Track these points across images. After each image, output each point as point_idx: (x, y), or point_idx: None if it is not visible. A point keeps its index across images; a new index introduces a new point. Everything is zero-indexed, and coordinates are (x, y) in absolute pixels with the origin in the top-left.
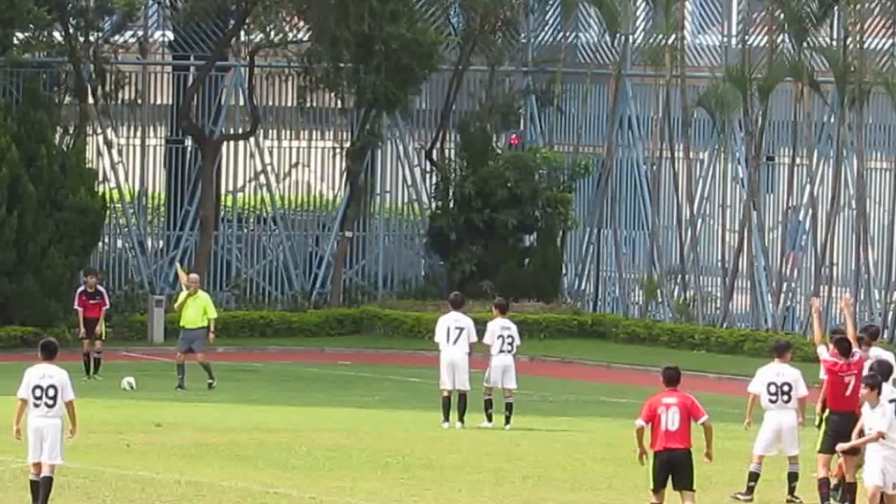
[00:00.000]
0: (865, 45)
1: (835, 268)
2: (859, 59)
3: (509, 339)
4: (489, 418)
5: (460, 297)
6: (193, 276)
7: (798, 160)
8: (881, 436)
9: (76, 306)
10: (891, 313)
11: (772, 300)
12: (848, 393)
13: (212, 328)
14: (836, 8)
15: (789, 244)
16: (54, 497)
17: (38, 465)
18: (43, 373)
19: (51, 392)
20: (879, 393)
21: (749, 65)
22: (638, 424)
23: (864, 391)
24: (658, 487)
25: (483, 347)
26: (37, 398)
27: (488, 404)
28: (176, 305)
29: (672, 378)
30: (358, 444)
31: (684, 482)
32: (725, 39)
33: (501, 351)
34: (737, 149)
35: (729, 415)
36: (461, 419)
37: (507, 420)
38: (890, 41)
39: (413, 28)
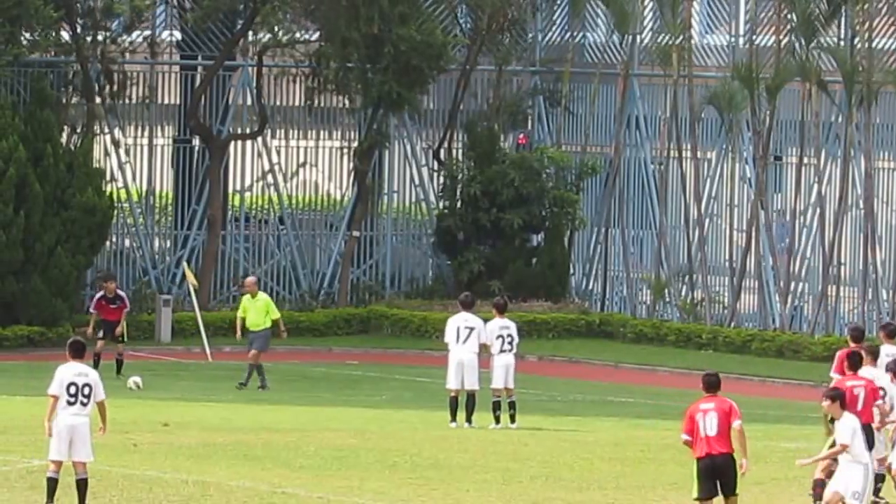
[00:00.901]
0: (873, 45)
1: (842, 267)
2: (867, 58)
3: (509, 339)
4: (497, 420)
5: (471, 297)
6: (251, 279)
7: (806, 160)
8: (845, 448)
9: (93, 310)
10: None
11: (779, 300)
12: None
13: (281, 327)
14: (844, 8)
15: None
16: (60, 496)
17: (58, 464)
18: (78, 371)
19: (86, 390)
20: (842, 406)
21: (757, 64)
22: (683, 439)
23: (825, 403)
24: (703, 495)
25: (485, 348)
26: (71, 395)
27: (496, 406)
28: (239, 314)
29: (712, 384)
30: (365, 443)
31: (727, 488)
32: (733, 39)
33: (502, 350)
34: (744, 148)
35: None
36: (469, 419)
37: (513, 419)
38: None
39: (421, 30)
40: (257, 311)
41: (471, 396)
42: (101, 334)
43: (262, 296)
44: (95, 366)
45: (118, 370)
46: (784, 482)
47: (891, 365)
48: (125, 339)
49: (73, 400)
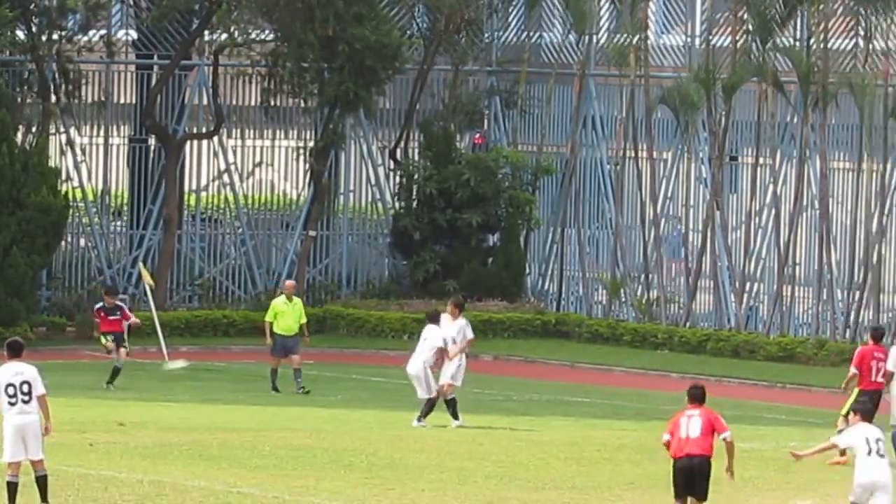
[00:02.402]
0: (829, 46)
1: (798, 268)
2: (823, 59)
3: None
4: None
5: (435, 311)
6: (290, 281)
7: (761, 160)
8: (834, 446)
9: (96, 319)
10: (853, 313)
11: (735, 300)
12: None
13: (305, 332)
14: (800, 9)
15: (669, 253)
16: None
17: (16, 466)
18: (15, 370)
19: (25, 388)
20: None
21: (713, 65)
22: (664, 439)
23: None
24: (679, 495)
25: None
26: (11, 396)
27: (451, 404)
28: (268, 318)
29: (696, 396)
30: (321, 443)
31: (699, 492)
32: (689, 39)
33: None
34: (700, 149)
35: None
36: (454, 417)
37: (455, 416)
38: (853, 42)
39: (377, 30)
40: (294, 315)
41: (446, 401)
42: (109, 341)
43: (298, 300)
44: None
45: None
46: (740, 482)
47: None
48: (128, 353)
49: (13, 400)
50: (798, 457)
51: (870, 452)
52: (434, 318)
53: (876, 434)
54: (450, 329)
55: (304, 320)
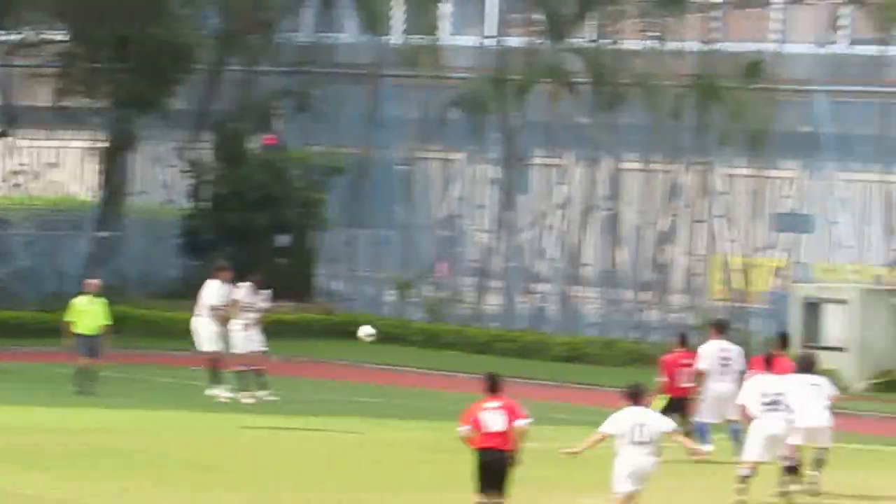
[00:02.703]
0: (621, 47)
1: (587, 268)
2: (615, 60)
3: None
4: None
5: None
6: (94, 280)
7: (553, 161)
8: (606, 436)
9: None
10: (641, 313)
11: (524, 300)
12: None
13: (106, 333)
14: (592, 10)
15: (440, 255)
16: None
17: None
18: None
19: None
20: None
21: (506, 66)
22: (462, 433)
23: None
24: (482, 489)
25: None
26: None
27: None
28: (72, 314)
29: (494, 385)
30: (109, 443)
31: (501, 486)
32: (482, 40)
33: None
34: (493, 150)
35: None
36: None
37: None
38: (645, 43)
39: (169, 30)
40: (97, 314)
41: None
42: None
43: (100, 299)
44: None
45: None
46: (528, 481)
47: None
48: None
49: None
50: (574, 454)
51: (632, 440)
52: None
53: (640, 420)
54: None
55: (108, 321)
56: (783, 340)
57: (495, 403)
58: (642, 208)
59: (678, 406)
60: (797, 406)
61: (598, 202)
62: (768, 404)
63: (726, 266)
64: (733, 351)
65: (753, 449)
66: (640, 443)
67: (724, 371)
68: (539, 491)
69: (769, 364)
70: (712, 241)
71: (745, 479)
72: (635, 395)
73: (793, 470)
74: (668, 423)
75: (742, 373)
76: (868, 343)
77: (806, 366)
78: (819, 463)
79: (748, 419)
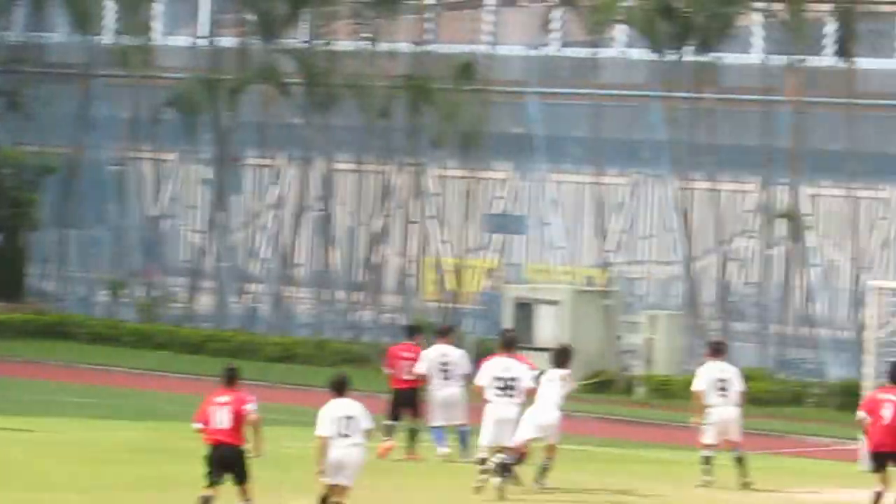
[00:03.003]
0: (334, 48)
1: (299, 268)
2: (328, 61)
3: None
4: None
5: None
6: None
7: (265, 161)
8: (324, 439)
9: None
10: (353, 314)
11: (236, 300)
12: None
13: None
14: (305, 10)
15: (152, 255)
16: None
17: None
18: None
19: None
20: None
21: (219, 66)
22: (196, 427)
23: None
24: (211, 482)
25: None
26: None
27: None
28: None
29: (229, 378)
30: None
31: (238, 478)
32: (194, 40)
33: None
34: (205, 150)
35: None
36: None
37: None
38: (358, 44)
39: None
40: None
41: None
42: None
43: None
44: None
45: None
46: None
47: None
48: None
49: None
50: (320, 471)
51: (339, 433)
52: None
53: (346, 412)
54: None
55: None
56: (509, 339)
57: (225, 398)
58: (355, 209)
59: (406, 401)
60: (537, 400)
61: (311, 203)
62: (501, 388)
63: (439, 267)
64: (454, 355)
65: (485, 434)
66: (347, 436)
67: (446, 376)
68: (255, 491)
69: (510, 347)
70: (425, 242)
71: (484, 461)
72: (339, 387)
73: (507, 468)
74: (370, 421)
75: (467, 376)
76: (580, 344)
77: (560, 361)
78: (542, 468)
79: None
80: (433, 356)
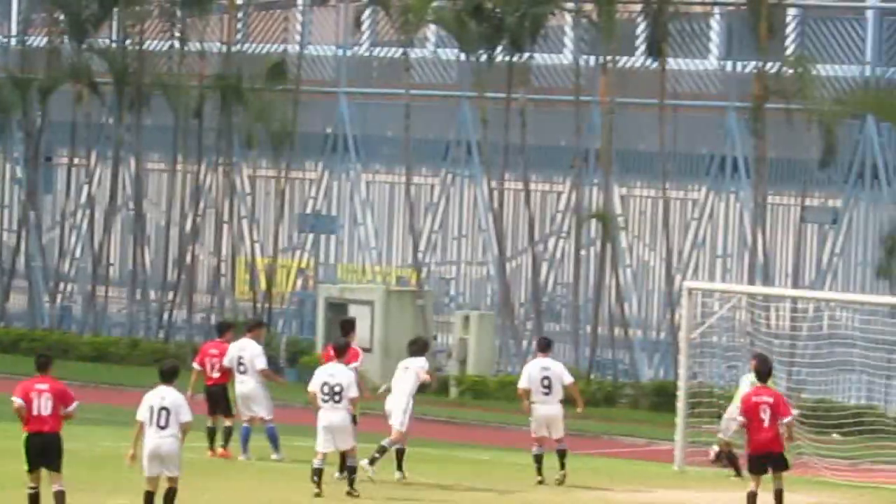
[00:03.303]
0: (145, 47)
1: (111, 267)
2: (138, 60)
3: None
4: None
5: None
6: None
7: (77, 161)
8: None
9: None
10: (166, 313)
11: (48, 299)
12: None
13: None
14: (115, 10)
15: None
16: None
17: None
18: None
19: None
20: None
21: (29, 66)
22: (16, 404)
23: None
24: (30, 471)
25: None
26: None
27: None
28: None
29: (42, 364)
30: None
31: (54, 465)
32: (5, 40)
33: None
34: (16, 149)
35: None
36: None
37: None
38: (169, 44)
39: None
40: None
41: None
42: None
43: None
44: None
45: None
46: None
47: None
48: None
49: None
50: (132, 457)
51: (155, 424)
52: None
53: (164, 403)
54: None
55: None
56: (339, 346)
57: (44, 385)
58: (167, 209)
59: (217, 398)
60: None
61: (123, 202)
62: (327, 395)
63: (251, 267)
64: (251, 350)
65: (318, 440)
66: (162, 427)
67: (241, 370)
68: (70, 492)
69: (340, 354)
70: (237, 242)
71: (317, 472)
72: (167, 375)
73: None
74: (189, 414)
75: (263, 371)
76: (393, 343)
77: (415, 351)
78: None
79: (316, 408)
80: (232, 351)
